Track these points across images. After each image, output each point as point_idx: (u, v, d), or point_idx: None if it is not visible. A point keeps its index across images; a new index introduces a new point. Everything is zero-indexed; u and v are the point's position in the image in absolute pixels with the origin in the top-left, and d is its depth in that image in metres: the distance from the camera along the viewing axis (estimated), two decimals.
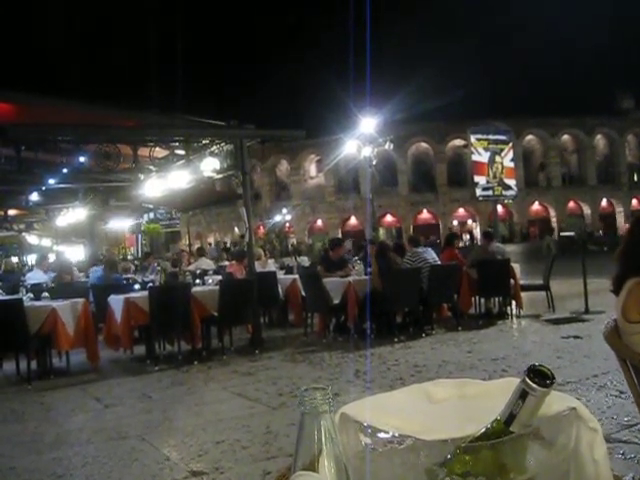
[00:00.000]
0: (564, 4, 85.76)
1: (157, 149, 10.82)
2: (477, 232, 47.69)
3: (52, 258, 17.26)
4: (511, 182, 25.67)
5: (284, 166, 53.17)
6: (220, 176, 10.82)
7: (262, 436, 4.71)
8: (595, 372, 5.94)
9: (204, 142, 10.46)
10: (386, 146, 28.59)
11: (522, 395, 0.77)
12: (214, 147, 10.25)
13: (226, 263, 14.05)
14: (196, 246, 36.31)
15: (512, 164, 26.13)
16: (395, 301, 8.92)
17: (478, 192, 25.01)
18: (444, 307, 10.31)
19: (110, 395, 6.59)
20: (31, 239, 28.43)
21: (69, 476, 4.19)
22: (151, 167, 11.38)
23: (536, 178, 53.50)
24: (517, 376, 0.81)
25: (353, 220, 50.87)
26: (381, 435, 0.86)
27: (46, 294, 8.53)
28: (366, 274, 9.18)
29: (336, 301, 9.00)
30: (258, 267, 10.44)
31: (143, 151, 10.57)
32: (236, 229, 44.90)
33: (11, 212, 20.11)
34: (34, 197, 15.86)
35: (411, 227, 49.51)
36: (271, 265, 12.65)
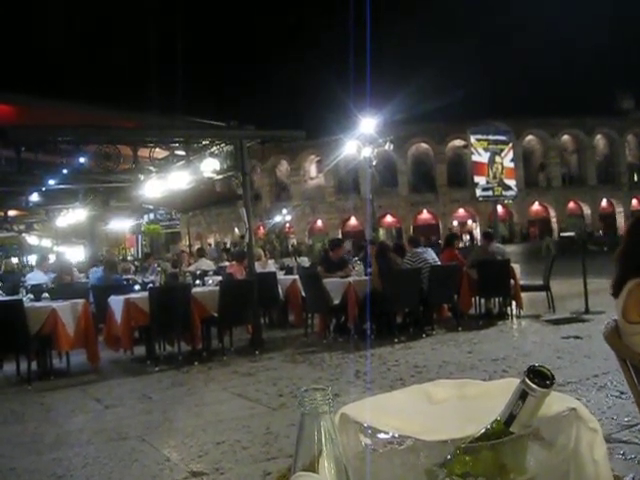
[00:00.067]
0: (564, 4, 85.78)
1: (157, 150, 10.82)
2: (477, 232, 47.67)
3: (52, 259, 17.26)
4: (511, 182, 25.69)
5: (284, 167, 53.16)
6: (220, 177, 10.83)
7: (262, 437, 4.71)
8: (595, 372, 5.94)
9: (204, 143, 10.47)
10: (386, 146, 28.62)
11: (522, 396, 0.77)
12: (214, 148, 10.25)
13: (226, 264, 14.05)
14: (196, 247, 36.30)
15: (512, 164, 26.16)
16: (395, 301, 8.92)
17: (478, 192, 25.03)
18: (444, 307, 10.31)
19: (110, 396, 6.59)
20: (31, 240, 28.43)
21: (69, 477, 4.19)
22: (151, 168, 11.38)
23: (536, 178, 53.49)
24: (517, 376, 0.81)
25: (353, 220, 50.86)
26: (381, 436, 0.86)
27: (46, 295, 8.53)
28: (366, 274, 9.17)
29: (336, 302, 9.00)
30: (258, 268, 10.44)
31: (143, 152, 10.57)
32: (236, 230, 44.90)
33: (11, 213, 20.11)
34: (34, 198, 15.86)
35: (411, 227, 49.51)
36: (271, 266, 12.65)
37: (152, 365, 7.95)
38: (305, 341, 9.29)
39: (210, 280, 10.09)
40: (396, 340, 8.59)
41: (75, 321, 7.76)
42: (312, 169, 53.30)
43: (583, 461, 0.86)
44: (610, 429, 4.20)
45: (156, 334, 8.29)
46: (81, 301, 8.08)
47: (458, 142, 47.47)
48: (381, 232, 47.66)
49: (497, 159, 24.72)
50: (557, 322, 9.39)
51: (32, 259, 27.38)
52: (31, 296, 8.49)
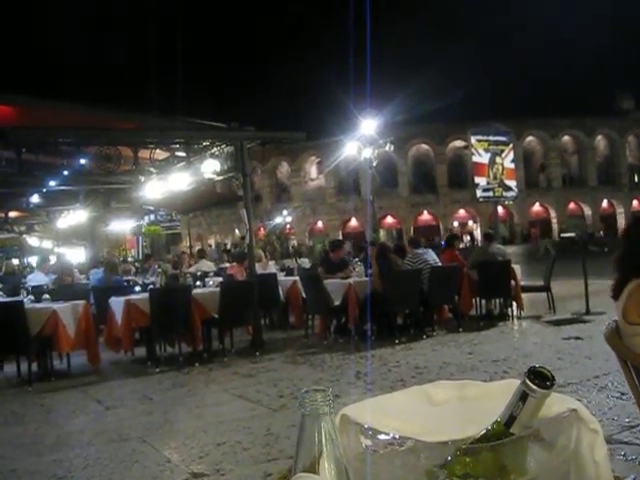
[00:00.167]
0: (564, 4, 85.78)
1: (157, 151, 10.82)
2: (478, 233, 47.68)
3: (53, 260, 17.27)
4: (511, 183, 25.67)
5: (284, 168, 53.18)
6: (220, 178, 10.83)
7: (263, 438, 4.71)
8: (596, 373, 5.94)
9: (204, 144, 10.47)
10: (386, 148, 28.62)
11: (522, 397, 0.77)
12: (214, 149, 10.26)
13: (227, 265, 14.05)
14: (197, 248, 36.31)
15: (512, 165, 26.14)
16: (396, 302, 8.92)
17: (478, 193, 25.01)
18: (445, 308, 10.32)
19: (111, 397, 6.59)
20: (32, 241, 28.45)
21: (70, 478, 4.19)
22: (152, 169, 11.39)
23: (536, 179, 53.49)
24: (518, 377, 0.82)
25: (354, 222, 50.86)
26: (382, 437, 0.86)
27: (47, 296, 8.53)
28: (367, 276, 9.17)
29: (337, 303, 9.00)
30: (259, 269, 10.44)
31: (144, 153, 10.58)
32: (237, 231, 44.89)
33: (12, 214, 20.12)
34: (35, 199, 15.89)
35: (411, 228, 49.51)
36: (272, 267, 12.65)
37: (153, 366, 7.95)
38: (306, 342, 9.29)
39: (211, 281, 10.09)
40: (397, 341, 8.59)
41: (76, 322, 7.76)
42: (312, 170, 53.32)
43: (584, 462, 0.86)
44: (611, 430, 4.20)
45: (157, 335, 8.29)
46: (82, 302, 8.08)
47: (458, 143, 47.49)
48: (382, 233, 47.64)
49: (497, 160, 24.71)
50: (558, 323, 9.39)
51: (33, 260, 27.36)
52: (32, 297, 8.50)
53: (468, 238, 48.84)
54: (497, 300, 10.58)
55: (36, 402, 6.57)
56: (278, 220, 48.52)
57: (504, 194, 25.37)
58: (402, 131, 43.36)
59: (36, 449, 4.87)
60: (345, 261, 10.11)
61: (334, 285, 9.13)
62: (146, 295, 8.26)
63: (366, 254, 10.04)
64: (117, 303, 8.20)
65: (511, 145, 26.34)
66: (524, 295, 10.43)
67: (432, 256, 9.80)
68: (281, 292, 10.72)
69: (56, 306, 7.71)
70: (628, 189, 53.81)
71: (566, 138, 53.95)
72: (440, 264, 9.86)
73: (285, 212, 49.02)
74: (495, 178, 24.60)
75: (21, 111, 10.12)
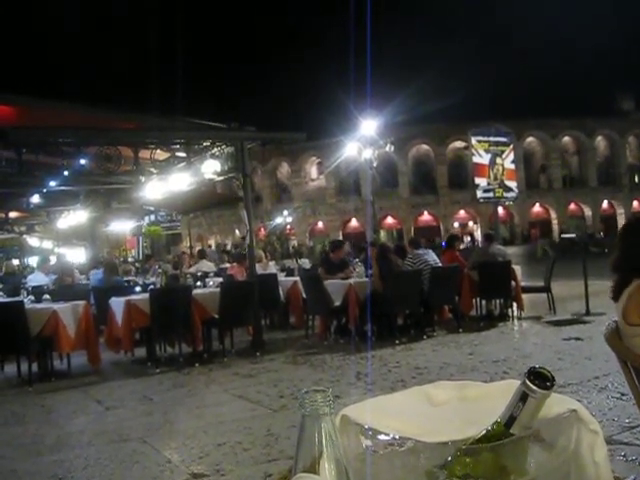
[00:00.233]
0: (564, 4, 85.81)
1: (158, 151, 10.82)
2: (478, 234, 47.67)
3: (53, 260, 17.26)
4: (512, 184, 25.68)
5: (285, 168, 53.18)
6: (221, 178, 10.83)
7: (263, 438, 4.71)
8: (596, 374, 5.94)
9: (205, 144, 10.47)
10: (387, 148, 28.61)
11: (522, 397, 0.77)
12: (215, 149, 10.25)
13: (227, 265, 14.05)
14: (197, 248, 36.32)
15: (513, 166, 26.14)
16: (396, 303, 8.92)
17: (479, 194, 25.02)
18: (445, 309, 10.32)
19: (111, 397, 6.59)
20: (32, 241, 28.44)
21: (70, 478, 4.19)
22: (152, 169, 11.39)
23: (537, 180, 53.48)
24: (518, 378, 0.82)
25: (354, 222, 50.87)
26: (382, 437, 0.86)
27: (47, 296, 8.53)
28: (367, 276, 9.17)
29: (337, 303, 9.00)
30: (259, 269, 10.44)
31: (144, 153, 10.58)
32: (237, 231, 44.91)
33: (12, 214, 20.13)
34: (35, 199, 15.89)
35: (412, 229, 49.50)
36: (272, 267, 12.65)
37: (153, 367, 7.95)
38: (306, 343, 9.29)
39: (211, 282, 10.09)
40: (397, 342, 8.59)
41: (76, 323, 7.76)
42: (313, 171, 53.32)
43: (584, 463, 0.86)
44: (611, 431, 4.20)
45: (157, 336, 8.29)
46: (82, 303, 8.08)
47: (459, 143, 47.48)
48: (382, 234, 47.63)
49: (498, 160, 24.72)
50: (558, 324, 9.39)
51: (33, 261, 27.36)
52: (32, 298, 8.50)
53: (468, 239, 48.83)
54: (497, 301, 10.58)
55: (36, 402, 6.57)
56: (278, 220, 48.52)
57: (504, 195, 25.38)
58: (402, 132, 43.36)
59: (36, 449, 4.87)
60: (345, 261, 10.10)
61: (334, 285, 9.13)
62: (146, 295, 8.26)
63: (366, 254, 10.04)
64: (117, 303, 8.20)
65: (511, 146, 26.35)
66: (524, 296, 10.43)
67: (432, 257, 9.80)
68: (281, 292, 10.72)
69: (56, 306, 7.71)
70: (628, 190, 53.79)
71: (566, 139, 53.95)
72: (440, 265, 9.86)
73: (285, 212, 49.02)
74: (495, 179, 24.61)
75: (21, 111, 10.13)
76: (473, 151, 24.85)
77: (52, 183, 12.05)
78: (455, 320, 9.82)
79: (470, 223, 52.14)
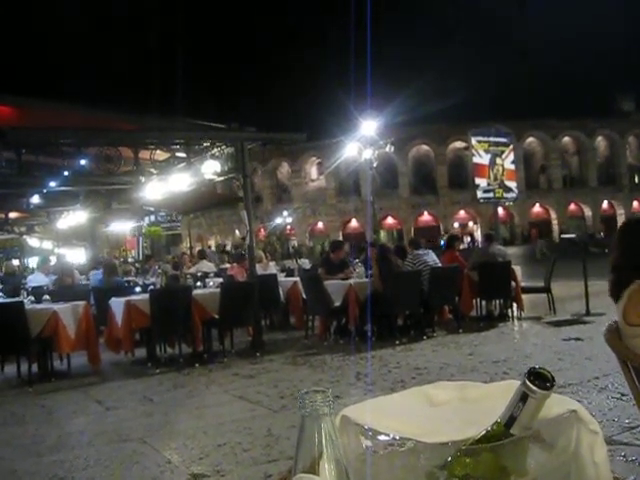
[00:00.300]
0: (564, 4, 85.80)
1: (158, 152, 10.83)
2: (478, 234, 47.69)
3: (53, 261, 17.27)
4: (512, 184, 25.67)
5: (285, 169, 53.21)
6: (221, 179, 10.84)
7: (263, 439, 4.71)
8: (596, 374, 5.94)
9: (205, 145, 10.48)
10: (387, 148, 28.61)
11: (522, 398, 0.77)
12: (215, 150, 10.26)
13: (227, 266, 14.05)
14: (197, 249, 36.33)
15: (513, 166, 26.13)
16: (396, 303, 8.92)
17: (479, 194, 25.00)
18: (445, 309, 10.32)
19: (111, 398, 6.59)
20: (32, 242, 28.46)
21: (70, 479, 4.19)
22: (152, 170, 11.40)
23: (537, 180, 53.52)
24: (518, 378, 0.81)
25: (354, 222, 50.90)
26: (382, 438, 0.86)
27: (47, 297, 8.54)
28: (367, 276, 9.17)
29: (337, 303, 9.00)
30: (259, 269, 10.44)
31: (144, 154, 10.58)
32: (237, 232, 44.93)
33: (12, 215, 20.13)
34: (35, 200, 15.89)
35: (412, 229, 49.52)
36: (272, 268, 12.65)
37: (153, 367, 7.95)
38: (306, 343, 9.29)
39: (211, 282, 10.10)
40: (397, 342, 8.59)
41: (76, 323, 7.76)
42: (313, 171, 53.35)
43: (584, 463, 0.86)
44: (611, 431, 4.20)
45: (157, 336, 8.29)
46: (82, 303, 8.08)
47: (459, 144, 47.53)
48: (382, 234, 47.67)
49: (498, 161, 24.70)
50: (558, 324, 9.39)
51: (33, 261, 27.39)
52: (32, 298, 8.50)
53: (468, 239, 48.85)
54: (497, 301, 10.58)
55: (36, 403, 6.57)
56: (278, 221, 48.54)
57: (504, 195, 25.36)
58: (402, 132, 43.39)
59: (36, 450, 4.87)
60: (345, 262, 10.11)
61: (334, 286, 9.13)
62: (146, 296, 8.26)
63: (366, 255, 10.04)
64: (117, 304, 8.20)
65: (511, 146, 26.34)
66: (524, 296, 10.43)
67: (432, 257, 9.80)
68: (281, 293, 10.72)
69: (56, 307, 7.71)
70: (628, 190, 53.83)
71: (566, 139, 53.99)
72: (440, 265, 9.86)
73: (285, 213, 49.04)
74: (495, 179, 24.59)
75: (21, 112, 10.13)
76: (473, 151, 24.84)
77: (52, 184, 12.06)
78: (455, 320, 9.82)
79: (470, 223, 52.17)
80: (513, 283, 10.08)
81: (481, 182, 24.66)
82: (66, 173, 11.09)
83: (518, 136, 43.25)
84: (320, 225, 52.07)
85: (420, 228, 49.24)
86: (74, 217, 18.07)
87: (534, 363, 0.82)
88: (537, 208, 53.21)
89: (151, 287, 9.53)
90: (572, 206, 53.82)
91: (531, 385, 0.77)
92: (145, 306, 7.94)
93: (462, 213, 51.46)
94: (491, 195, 24.80)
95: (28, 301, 8.17)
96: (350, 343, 8.65)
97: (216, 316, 8.40)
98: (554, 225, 52.05)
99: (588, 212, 53.65)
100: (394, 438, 0.85)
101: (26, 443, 5.10)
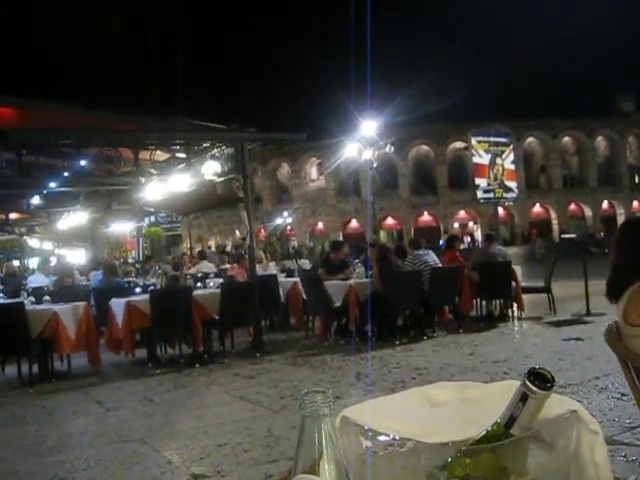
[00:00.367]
0: (564, 4, 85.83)
1: (158, 152, 10.84)
2: (478, 234, 47.68)
3: (53, 262, 17.27)
4: (512, 184, 25.67)
5: (285, 169, 53.20)
6: (221, 179, 10.84)
7: (263, 439, 4.71)
8: (597, 374, 5.94)
9: (205, 145, 10.48)
10: (387, 149, 28.62)
11: (522, 398, 0.77)
12: (215, 150, 10.26)
13: (227, 266, 14.05)
14: (197, 249, 36.33)
15: (513, 166, 26.13)
16: (396, 304, 8.92)
17: (479, 194, 25.00)
18: (445, 310, 10.32)
19: (112, 398, 6.59)
20: (32, 242, 28.46)
21: (71, 479, 4.19)
22: (152, 170, 11.40)
23: (537, 180, 53.51)
24: (519, 379, 0.82)
25: (354, 223, 50.89)
26: (382, 438, 0.86)
27: (47, 298, 8.53)
28: (367, 277, 9.17)
29: (337, 304, 9.00)
30: (259, 270, 10.44)
31: (144, 154, 10.59)
32: (237, 232, 44.94)
33: (12, 216, 20.14)
34: (35, 201, 15.90)
35: (412, 229, 49.51)
36: (272, 268, 12.65)
37: (153, 368, 7.94)
38: (306, 343, 9.29)
39: (211, 283, 10.10)
40: (397, 342, 8.59)
41: (76, 324, 7.76)
42: (313, 171, 53.35)
43: (584, 463, 0.86)
44: (611, 431, 4.20)
45: (157, 337, 8.29)
46: (82, 304, 8.08)
47: (459, 144, 47.52)
48: (382, 234, 47.67)
49: (498, 161, 24.71)
50: (558, 324, 9.39)
51: (33, 262, 27.39)
52: (32, 299, 8.49)
53: (469, 239, 48.84)
54: (498, 301, 10.58)
55: (37, 404, 6.57)
56: (279, 221, 48.55)
57: (504, 195, 25.36)
58: (402, 132, 43.39)
59: (37, 451, 4.87)
60: (346, 262, 10.11)
61: (335, 286, 9.13)
62: (147, 296, 8.25)
63: (366, 255, 10.04)
64: (118, 305, 8.20)
65: (511, 146, 26.34)
66: (524, 296, 10.43)
67: (432, 257, 9.80)
68: (282, 293, 10.72)
69: (57, 308, 7.71)
70: (628, 190, 53.82)
71: (566, 139, 53.99)
72: (440, 265, 9.86)
73: (285, 213, 49.04)
74: (495, 179, 24.59)
75: (22, 112, 10.13)
76: (473, 151, 24.84)
77: (52, 184, 12.06)
78: (455, 321, 9.82)
79: (470, 223, 52.16)
80: (513, 283, 10.09)
81: (481, 182, 24.66)
82: (66, 174, 11.10)
83: (518, 136, 43.25)
84: (320, 225, 52.07)
85: (420, 228, 49.23)
86: (74, 218, 18.08)
87: (534, 363, 0.83)
88: (537, 208, 53.20)
89: (151, 288, 9.52)
90: (572, 206, 53.81)
91: (531, 385, 0.77)
92: (145, 307, 7.94)
93: (462, 213, 51.45)
94: (491, 195, 24.79)
95: (28, 302, 8.17)
96: (350, 343, 8.65)
97: (216, 317, 8.40)
98: (554, 225, 52.04)
99: (588, 212, 53.64)
100: (394, 438, 0.85)
101: (27, 444, 5.10)
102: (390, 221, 51.32)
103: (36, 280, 11.87)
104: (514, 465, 0.80)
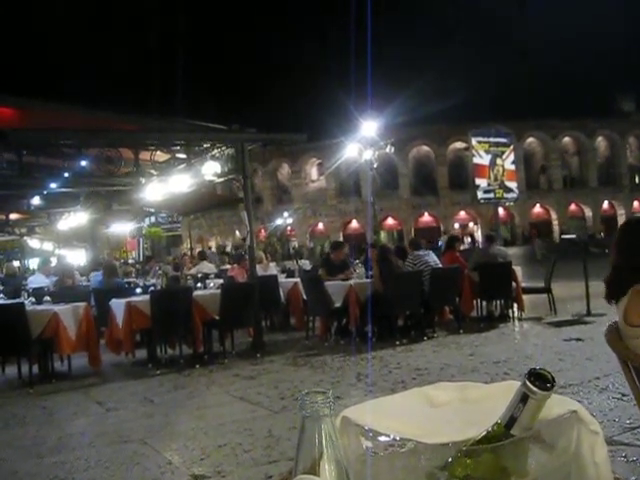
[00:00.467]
0: (564, 4, 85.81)
1: (158, 153, 10.84)
2: (478, 235, 47.68)
3: (54, 262, 17.27)
4: (512, 185, 25.71)
5: (285, 170, 53.19)
6: (221, 180, 10.85)
7: (264, 440, 4.71)
8: (597, 374, 5.94)
9: (205, 146, 10.48)
10: (387, 149, 28.61)
11: (523, 398, 0.77)
12: (215, 151, 10.26)
13: (227, 267, 14.06)
14: (197, 250, 36.34)
15: (513, 167, 26.18)
16: (396, 304, 8.92)
17: (479, 195, 25.04)
18: (446, 310, 10.32)
19: (112, 399, 6.59)
20: (33, 243, 28.48)
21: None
22: (152, 171, 11.40)
23: (537, 180, 53.50)
24: (519, 379, 0.82)
25: (354, 223, 50.88)
26: (382, 438, 0.86)
27: (48, 298, 8.53)
28: (367, 277, 9.18)
29: (338, 304, 9.00)
30: (259, 270, 10.44)
31: (144, 155, 10.59)
32: (237, 232, 44.94)
33: (13, 216, 20.16)
34: (36, 201, 15.92)
35: (412, 230, 49.50)
36: (272, 268, 12.66)
37: (154, 368, 7.95)
38: (306, 344, 9.29)
39: (211, 283, 10.10)
40: (397, 343, 8.59)
41: (77, 324, 7.76)
42: (313, 172, 53.34)
43: (584, 463, 0.86)
44: (612, 431, 4.20)
45: (157, 337, 8.30)
46: (82, 304, 8.08)
47: (459, 144, 47.50)
48: (382, 235, 47.65)
49: (498, 161, 24.75)
50: (559, 324, 9.39)
51: (33, 262, 27.40)
52: (33, 299, 8.49)
53: (469, 240, 48.83)
54: (498, 302, 10.58)
55: (37, 404, 6.57)
56: (279, 222, 48.55)
57: (505, 195, 25.40)
58: (403, 133, 43.37)
59: (37, 451, 4.87)
60: (346, 263, 10.10)
61: (335, 287, 9.13)
62: (147, 297, 8.25)
63: (367, 256, 10.04)
64: (118, 305, 8.20)
65: (512, 146, 26.38)
66: (525, 296, 10.43)
67: (433, 258, 9.80)
68: (282, 294, 10.72)
69: (57, 308, 7.71)
70: (629, 190, 53.80)
71: (567, 139, 53.98)
72: (441, 266, 9.86)
73: (286, 214, 49.03)
74: (496, 179, 24.63)
75: (22, 113, 10.13)
76: (473, 152, 24.88)
77: (53, 185, 12.07)
78: (456, 321, 9.82)
79: (470, 224, 52.13)
80: (514, 284, 10.09)
81: (481, 182, 24.69)
82: (66, 174, 11.10)
83: (518, 136, 43.25)
84: (320, 226, 52.06)
85: (420, 229, 49.21)
86: (75, 218, 18.09)
87: (535, 364, 0.83)
88: (537, 208, 53.19)
89: (152, 288, 9.52)
90: (572, 206, 53.79)
91: (531, 386, 0.77)
92: (146, 307, 7.94)
93: (462, 214, 51.43)
94: (491, 195, 24.83)
95: (29, 302, 8.17)
96: (351, 344, 8.65)
97: (217, 317, 8.40)
98: (554, 225, 52.02)
99: (588, 212, 53.62)
100: (394, 439, 0.85)
101: (27, 444, 5.10)
102: (390, 221, 51.30)
103: (36, 281, 11.86)
104: (514, 465, 0.80)
